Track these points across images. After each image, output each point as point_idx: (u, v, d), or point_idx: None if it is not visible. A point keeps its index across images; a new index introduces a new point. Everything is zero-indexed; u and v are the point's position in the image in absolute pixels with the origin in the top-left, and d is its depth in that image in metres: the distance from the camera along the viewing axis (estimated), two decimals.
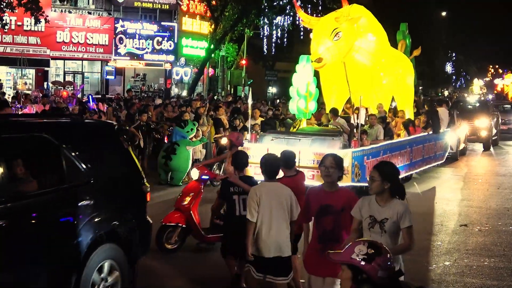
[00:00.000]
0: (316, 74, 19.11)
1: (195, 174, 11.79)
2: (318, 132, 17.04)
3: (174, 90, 46.35)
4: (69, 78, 41.19)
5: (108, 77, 43.29)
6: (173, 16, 45.73)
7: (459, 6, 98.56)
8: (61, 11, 39.84)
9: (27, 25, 36.74)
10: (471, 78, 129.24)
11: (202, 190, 11.72)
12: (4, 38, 37.02)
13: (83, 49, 41.50)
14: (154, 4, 44.92)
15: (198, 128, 19.12)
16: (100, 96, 33.86)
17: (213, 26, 43.29)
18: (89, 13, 42.34)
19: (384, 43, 20.46)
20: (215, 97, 38.19)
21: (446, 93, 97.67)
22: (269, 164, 8.37)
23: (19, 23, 36.73)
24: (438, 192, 20.01)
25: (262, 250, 7.80)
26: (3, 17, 32.00)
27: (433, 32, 79.23)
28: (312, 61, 17.72)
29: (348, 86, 18.78)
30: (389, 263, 3.81)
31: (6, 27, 34.17)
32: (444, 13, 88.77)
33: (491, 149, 31.39)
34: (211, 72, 50.46)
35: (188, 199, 11.33)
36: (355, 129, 17.58)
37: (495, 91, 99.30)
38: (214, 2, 42.48)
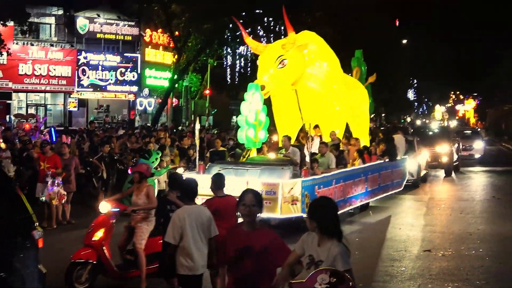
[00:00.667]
0: (268, 102, 18.73)
1: (104, 208, 10.83)
2: (267, 162, 16.52)
3: (138, 121, 46.27)
4: (31, 110, 40.99)
5: (70, 109, 43.09)
6: (136, 47, 45.80)
7: (421, 34, 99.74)
8: (23, 43, 39.69)
9: None
10: (433, 104, 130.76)
11: (113, 224, 10.87)
12: None
13: (46, 81, 41.33)
14: (117, 36, 44.93)
15: (162, 158, 18.97)
16: (63, 128, 33.68)
17: (176, 57, 43.33)
18: (52, 45, 42.24)
19: (337, 69, 20.02)
20: (180, 127, 38.21)
21: (408, 119, 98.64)
22: (190, 188, 8.95)
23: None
24: (401, 218, 20.07)
25: (195, 268, 8.24)
26: None
27: (395, 60, 79.86)
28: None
29: (301, 113, 18.29)
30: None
31: None
32: (404, 41, 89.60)
33: (453, 174, 31.59)
34: (175, 102, 50.51)
35: (99, 234, 10.52)
36: (306, 158, 17.08)
37: (457, 117, 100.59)
38: (177, 33, 42.55)
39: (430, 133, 44.19)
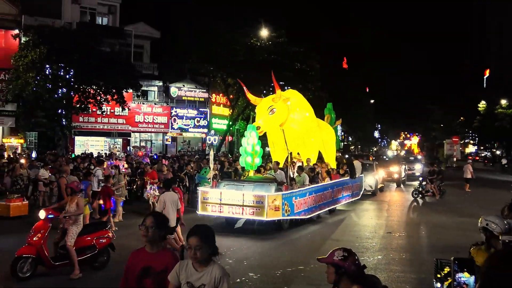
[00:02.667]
0: (264, 137, 18.63)
1: (41, 214, 9.72)
2: (259, 180, 15.54)
3: (207, 150, 46.46)
4: (143, 143, 41.31)
5: (166, 143, 43.45)
6: (206, 105, 46.11)
7: (382, 95, 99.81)
8: (138, 103, 40.21)
9: (117, 112, 36.99)
10: (390, 140, 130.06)
11: (50, 226, 9.72)
12: (103, 120, 37.26)
13: (151, 126, 41.74)
14: (195, 98, 45.34)
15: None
16: (162, 154, 33.97)
17: (231, 111, 43.61)
18: (155, 104, 42.71)
19: (311, 115, 19.27)
20: (231, 155, 38.26)
21: (375, 149, 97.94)
22: (168, 185, 11.76)
23: (112, 110, 37.03)
24: (370, 213, 19.95)
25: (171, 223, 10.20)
26: (102, 107, 32.38)
27: (366, 113, 79.68)
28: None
29: (286, 146, 17.44)
30: (357, 261, 3.85)
31: (104, 113, 34.63)
32: (372, 101, 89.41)
33: (401, 186, 31.39)
34: (230, 139, 50.66)
35: (38, 235, 9.43)
36: (287, 178, 16.05)
37: (406, 148, 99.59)
38: (231, 96, 42.85)
39: (387, 158, 44.27)
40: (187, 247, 3.90)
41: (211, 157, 16.62)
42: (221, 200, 14.26)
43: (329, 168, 19.67)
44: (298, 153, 18.99)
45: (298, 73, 41.67)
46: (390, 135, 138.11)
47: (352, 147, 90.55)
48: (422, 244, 13.61)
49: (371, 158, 36.36)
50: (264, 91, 37.66)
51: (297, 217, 15.18)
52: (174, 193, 11.54)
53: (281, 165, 17.64)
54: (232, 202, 14.07)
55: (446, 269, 5.57)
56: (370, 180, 25.18)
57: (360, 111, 74.76)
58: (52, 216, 9.74)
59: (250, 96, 18.12)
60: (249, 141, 16.78)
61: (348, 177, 20.30)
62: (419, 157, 52.13)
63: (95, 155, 28.88)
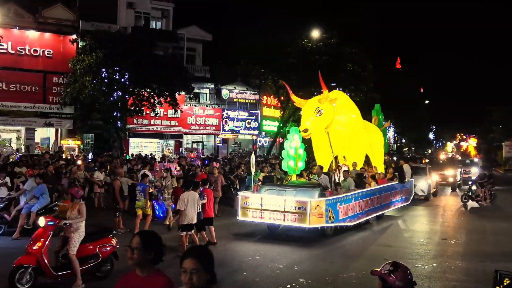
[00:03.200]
0: (309, 141, 17.94)
1: (41, 222, 9.22)
2: (302, 185, 14.88)
3: (258, 152, 46.52)
4: (194, 145, 41.82)
5: (217, 144, 43.85)
6: (257, 107, 46.19)
7: (438, 96, 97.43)
8: (190, 105, 40.69)
9: (170, 114, 37.59)
10: (446, 142, 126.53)
11: (51, 234, 9.15)
12: (156, 122, 37.94)
13: (203, 128, 42.14)
14: (246, 100, 45.51)
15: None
16: (213, 156, 34.29)
17: (281, 112, 43.50)
18: (207, 106, 43.13)
19: (358, 117, 18.35)
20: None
21: (429, 151, 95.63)
22: (188, 185, 12.42)
23: (165, 113, 37.64)
24: (424, 218, 19.45)
25: (192, 220, 11.91)
26: (156, 109, 33.01)
27: (418, 113, 77.84)
28: (300, 132, 15.90)
29: (331, 149, 16.51)
30: (408, 276, 3.68)
31: (158, 115, 35.30)
32: (427, 101, 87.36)
33: (457, 190, 30.33)
34: (281, 141, 50.48)
35: (39, 244, 8.88)
36: (332, 183, 15.39)
37: (462, 150, 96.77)
38: (282, 98, 42.71)
39: (441, 161, 42.70)
40: (181, 270, 3.27)
41: (252, 161, 15.90)
42: (262, 206, 13.75)
43: (376, 172, 18.87)
44: (344, 157, 18.49)
45: (350, 74, 41.15)
46: (445, 136, 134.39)
47: (406, 149, 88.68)
48: (480, 251, 13.03)
49: (424, 161, 35.37)
50: (315, 93, 37.31)
51: (342, 224, 14.52)
52: (195, 192, 12.19)
53: (325, 169, 17.01)
54: (273, 208, 13.57)
55: (506, 281, 5.32)
56: (423, 184, 24.28)
57: (414, 112, 73.04)
58: (52, 223, 9.19)
59: (294, 98, 17.46)
60: (292, 144, 16.06)
61: (397, 182, 19.46)
62: (476, 159, 50.43)
63: (145, 157, 29.42)
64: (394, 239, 14.63)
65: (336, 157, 17.19)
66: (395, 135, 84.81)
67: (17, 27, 32.59)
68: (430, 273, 10.59)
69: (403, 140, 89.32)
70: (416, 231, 16.18)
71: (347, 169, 17.52)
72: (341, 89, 46.36)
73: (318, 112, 15.70)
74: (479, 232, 16.03)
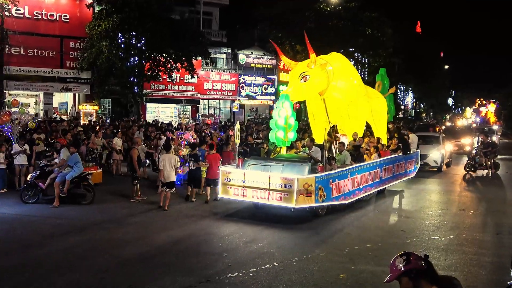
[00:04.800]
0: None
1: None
2: (290, 159, 13.15)
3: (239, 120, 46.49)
4: (211, 111, 41.78)
5: (234, 110, 43.74)
6: (274, 72, 45.76)
7: (458, 60, 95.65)
8: (207, 70, 40.45)
9: (187, 79, 37.50)
10: (465, 107, 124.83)
11: None
12: (173, 87, 37.89)
13: (220, 93, 42.01)
14: (262, 65, 45.05)
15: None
16: (230, 123, 34.23)
17: None
18: (223, 71, 42.86)
19: (358, 83, 16.22)
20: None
21: (448, 117, 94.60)
22: (167, 147, 13.97)
23: (182, 78, 37.54)
24: (441, 186, 19.26)
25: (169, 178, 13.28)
26: (172, 75, 32.92)
27: (438, 78, 76.53)
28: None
29: (328, 118, 14.98)
30: (418, 255, 3.60)
31: (174, 80, 35.26)
32: (447, 66, 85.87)
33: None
34: (297, 106, 50.18)
35: None
36: (324, 156, 13.52)
37: (481, 116, 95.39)
38: None
39: (457, 129, 41.13)
40: None
41: (237, 131, 14.33)
42: (244, 182, 12.26)
43: (378, 143, 16.98)
44: (335, 129, 16.39)
45: (369, 39, 40.47)
46: (465, 102, 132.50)
47: (424, 115, 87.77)
48: (498, 223, 12.94)
49: (437, 129, 33.25)
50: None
51: (335, 202, 12.97)
52: (172, 155, 13.69)
53: (321, 141, 14.85)
54: (257, 185, 12.09)
55: None
56: (435, 154, 23.01)
57: (433, 77, 71.91)
58: None
59: (284, 59, 15.48)
60: (281, 113, 13.99)
61: (401, 153, 17.67)
62: (495, 127, 48.72)
63: (162, 122, 29.45)
64: (411, 210, 14.57)
65: (333, 127, 15.86)
66: (414, 100, 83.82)
67: None
68: (447, 246, 10.54)
69: (422, 106, 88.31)
70: (434, 201, 16.09)
71: (345, 140, 16.09)
72: (359, 54, 45.91)
73: (303, 78, 13.92)
74: (501, 203, 15.86)
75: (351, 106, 15.74)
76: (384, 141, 17.72)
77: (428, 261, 3.61)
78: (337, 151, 14.99)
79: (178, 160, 13.67)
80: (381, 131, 17.88)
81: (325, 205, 12.68)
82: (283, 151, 14.28)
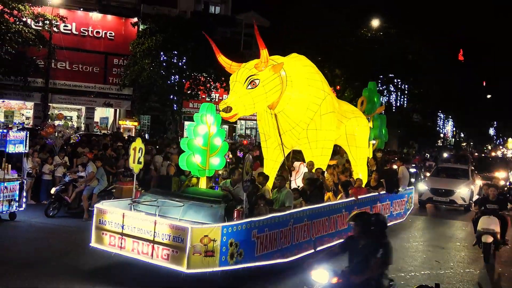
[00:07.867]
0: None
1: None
2: (200, 196, 9.13)
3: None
4: (248, 131, 41.98)
5: None
6: None
7: (501, 90, 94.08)
8: None
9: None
10: (507, 138, 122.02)
11: None
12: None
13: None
14: None
15: None
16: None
17: None
18: None
19: (324, 95, 11.73)
20: None
21: (489, 147, 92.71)
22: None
23: (220, 98, 37.88)
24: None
25: None
26: (211, 94, 33.53)
27: (480, 109, 75.40)
28: (220, 111, 10.14)
29: (281, 140, 11.63)
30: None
31: (213, 100, 35.93)
32: (489, 96, 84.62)
33: (508, 195, 28.01)
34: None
35: None
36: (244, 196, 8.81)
37: None
38: (338, 87, 42.14)
39: (490, 159, 37.67)
40: None
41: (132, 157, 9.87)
42: (123, 228, 8.49)
43: (350, 177, 13.30)
44: (290, 157, 12.84)
45: (409, 66, 40.27)
46: (508, 133, 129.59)
47: (464, 144, 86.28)
48: None
49: (470, 160, 30.01)
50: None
51: (261, 263, 8.80)
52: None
53: (274, 172, 11.80)
54: (138, 233, 8.29)
55: None
56: (463, 190, 19.85)
57: (475, 106, 70.88)
58: None
59: (222, 60, 10.91)
60: (200, 130, 10.01)
61: (383, 191, 13.60)
62: None
63: None
64: (447, 240, 14.36)
65: (289, 154, 12.52)
66: (453, 129, 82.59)
67: (81, 9, 33.65)
68: (481, 279, 10.38)
69: (462, 135, 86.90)
70: (469, 232, 15.77)
71: (302, 170, 12.62)
72: (399, 80, 45.63)
73: (250, 83, 10.17)
74: None
75: (311, 126, 11.59)
76: (363, 171, 14.05)
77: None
78: (297, 183, 11.99)
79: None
80: (359, 162, 13.97)
81: (242, 267, 8.36)
82: (203, 183, 10.34)
